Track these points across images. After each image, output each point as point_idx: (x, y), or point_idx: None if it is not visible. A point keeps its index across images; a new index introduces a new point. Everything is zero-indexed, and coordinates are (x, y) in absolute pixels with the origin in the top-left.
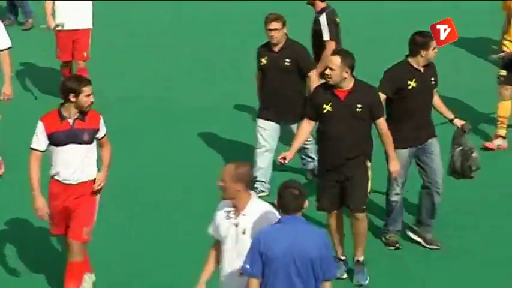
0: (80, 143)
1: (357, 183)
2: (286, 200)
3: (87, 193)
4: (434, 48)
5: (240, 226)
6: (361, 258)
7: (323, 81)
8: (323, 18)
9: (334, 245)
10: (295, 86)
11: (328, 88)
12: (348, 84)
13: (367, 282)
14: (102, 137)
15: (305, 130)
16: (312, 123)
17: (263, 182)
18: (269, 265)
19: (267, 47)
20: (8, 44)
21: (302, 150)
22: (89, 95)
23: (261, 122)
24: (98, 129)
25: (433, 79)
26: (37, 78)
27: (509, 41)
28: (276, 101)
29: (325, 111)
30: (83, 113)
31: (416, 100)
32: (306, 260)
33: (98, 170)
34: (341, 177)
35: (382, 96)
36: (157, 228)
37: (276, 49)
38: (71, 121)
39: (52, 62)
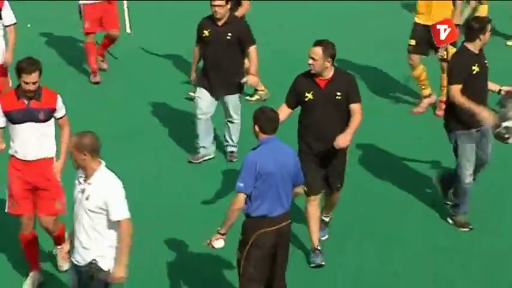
0: (36, 122)
1: (341, 166)
2: (265, 123)
3: (50, 169)
4: (490, 31)
5: (85, 193)
6: (328, 219)
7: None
8: None
9: (311, 233)
10: (234, 59)
11: (309, 76)
12: (329, 73)
13: (326, 237)
14: (61, 117)
15: (283, 114)
16: (290, 110)
17: (203, 147)
18: (265, 181)
19: (211, 20)
20: (14, 20)
21: (227, 129)
22: (27, 82)
23: (198, 91)
24: (55, 109)
25: (486, 61)
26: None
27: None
28: (216, 72)
29: (306, 99)
30: (37, 93)
31: (478, 83)
32: (289, 173)
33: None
34: (326, 162)
35: (458, 86)
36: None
37: (220, 23)
38: (26, 101)
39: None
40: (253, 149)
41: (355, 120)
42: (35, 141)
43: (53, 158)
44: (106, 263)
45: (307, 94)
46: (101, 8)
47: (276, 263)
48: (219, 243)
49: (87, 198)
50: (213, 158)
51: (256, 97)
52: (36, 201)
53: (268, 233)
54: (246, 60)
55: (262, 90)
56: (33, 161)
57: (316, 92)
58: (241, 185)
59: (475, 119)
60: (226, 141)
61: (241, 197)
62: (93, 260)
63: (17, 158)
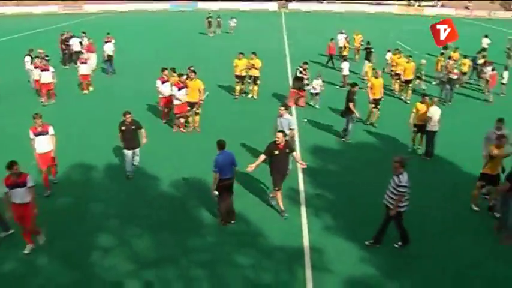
0: None
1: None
2: (221, 145)
3: None
4: None
5: None
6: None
7: None
8: None
9: (279, 203)
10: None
11: (275, 144)
12: (283, 142)
13: (287, 215)
14: None
15: (261, 158)
16: (265, 157)
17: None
18: (221, 167)
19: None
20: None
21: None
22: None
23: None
24: None
25: None
26: None
27: None
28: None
29: (275, 153)
30: None
31: None
32: (230, 163)
33: None
34: (283, 176)
35: None
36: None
37: None
38: None
39: None
40: (218, 155)
41: (297, 156)
42: None
43: None
44: None
45: (275, 151)
46: None
47: (229, 195)
48: (215, 193)
49: None
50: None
51: None
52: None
53: (224, 184)
54: None
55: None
56: None
57: (279, 150)
58: (216, 169)
59: None
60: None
61: (216, 174)
62: None
63: None
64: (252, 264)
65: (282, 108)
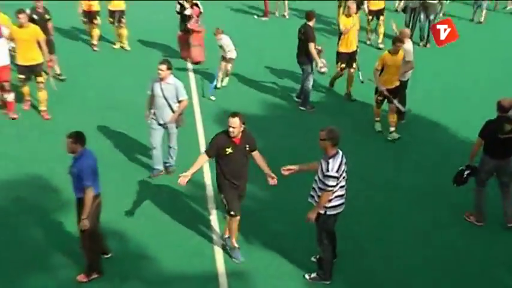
0: None
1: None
2: (83, 139)
3: None
4: None
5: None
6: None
7: None
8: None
9: (232, 238)
10: None
11: (228, 137)
12: (239, 133)
13: (243, 259)
14: None
15: (202, 161)
16: (207, 159)
17: None
18: (95, 176)
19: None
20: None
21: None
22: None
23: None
24: None
25: None
26: None
27: None
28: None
29: (227, 152)
30: None
31: None
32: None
33: None
34: (239, 191)
35: None
36: None
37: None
38: None
39: None
40: (81, 157)
41: (264, 161)
42: None
43: None
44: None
45: (227, 149)
46: None
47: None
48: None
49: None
50: None
51: None
52: None
53: (99, 202)
54: None
55: None
56: None
57: (234, 146)
58: (90, 183)
59: None
60: None
61: (91, 189)
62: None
63: None
64: None
65: (163, 67)
